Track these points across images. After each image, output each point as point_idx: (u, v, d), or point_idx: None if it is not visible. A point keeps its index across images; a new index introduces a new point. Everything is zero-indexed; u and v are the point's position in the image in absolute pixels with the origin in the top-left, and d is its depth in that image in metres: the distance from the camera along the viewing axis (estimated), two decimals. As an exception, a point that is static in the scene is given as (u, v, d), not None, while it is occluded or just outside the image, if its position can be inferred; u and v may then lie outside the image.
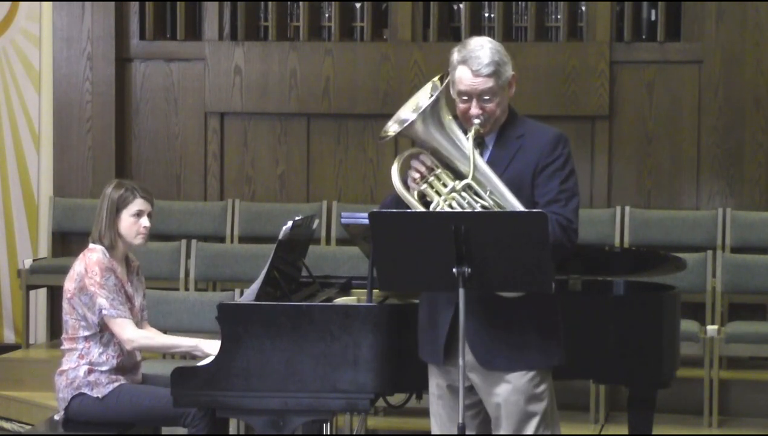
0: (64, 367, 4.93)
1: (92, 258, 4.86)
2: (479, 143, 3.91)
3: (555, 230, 3.79)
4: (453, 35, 8.03)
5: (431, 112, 3.80)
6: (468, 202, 3.81)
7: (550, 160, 3.89)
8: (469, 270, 3.69)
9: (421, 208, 3.82)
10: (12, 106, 8.47)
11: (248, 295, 4.62)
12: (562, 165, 3.91)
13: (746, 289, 6.92)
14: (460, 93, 3.89)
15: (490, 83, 3.86)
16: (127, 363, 4.97)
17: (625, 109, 7.83)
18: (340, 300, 4.84)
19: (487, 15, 8.04)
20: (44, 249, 8.28)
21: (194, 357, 4.98)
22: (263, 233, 7.82)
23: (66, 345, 4.95)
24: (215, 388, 4.42)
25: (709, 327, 6.63)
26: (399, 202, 3.88)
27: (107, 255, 4.89)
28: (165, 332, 5.18)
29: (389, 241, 3.78)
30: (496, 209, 3.79)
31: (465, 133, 3.85)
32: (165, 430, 5.21)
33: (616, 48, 7.79)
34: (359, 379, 4.38)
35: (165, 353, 6.32)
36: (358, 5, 8.21)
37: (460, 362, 3.72)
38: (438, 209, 3.79)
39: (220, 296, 6.55)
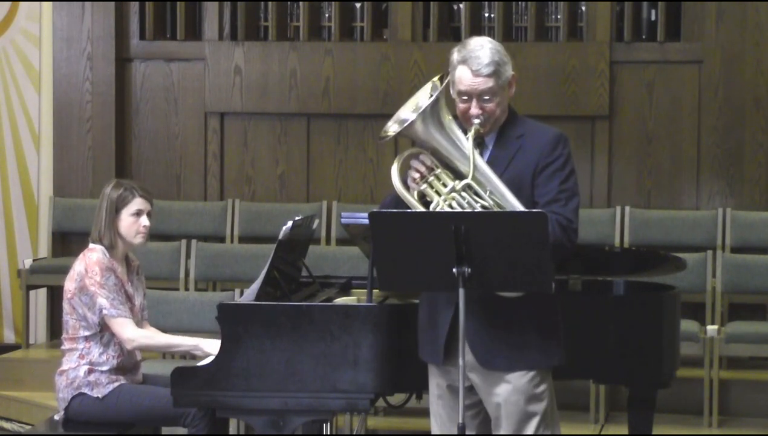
0: (65, 367, 4.93)
1: (92, 258, 4.86)
2: (479, 143, 3.91)
3: (555, 230, 3.79)
4: (453, 35, 8.02)
5: (431, 112, 3.80)
6: (468, 202, 3.80)
7: (550, 160, 3.89)
8: (469, 270, 3.68)
9: (421, 209, 3.82)
10: (12, 106, 8.46)
11: (248, 295, 4.62)
12: (562, 165, 3.90)
13: (746, 289, 6.92)
14: (460, 93, 3.89)
15: (490, 83, 3.86)
16: (127, 363, 4.97)
17: (625, 109, 7.82)
18: (340, 300, 4.84)
19: (487, 15, 8.03)
20: (44, 249, 8.27)
21: (194, 357, 4.98)
22: (263, 233, 7.81)
23: (66, 345, 4.95)
24: (215, 388, 4.42)
25: (709, 327, 6.62)
26: (399, 202, 3.88)
27: (107, 255, 4.88)
28: (165, 331, 5.17)
29: (389, 241, 3.78)
30: (496, 209, 3.79)
31: (465, 133, 3.85)
32: (165, 430, 5.20)
33: (616, 48, 7.79)
34: (359, 379, 4.38)
35: (165, 353, 6.32)
36: (358, 5, 8.20)
37: (460, 362, 3.72)
38: (438, 209, 3.79)
39: (220, 296, 6.55)
